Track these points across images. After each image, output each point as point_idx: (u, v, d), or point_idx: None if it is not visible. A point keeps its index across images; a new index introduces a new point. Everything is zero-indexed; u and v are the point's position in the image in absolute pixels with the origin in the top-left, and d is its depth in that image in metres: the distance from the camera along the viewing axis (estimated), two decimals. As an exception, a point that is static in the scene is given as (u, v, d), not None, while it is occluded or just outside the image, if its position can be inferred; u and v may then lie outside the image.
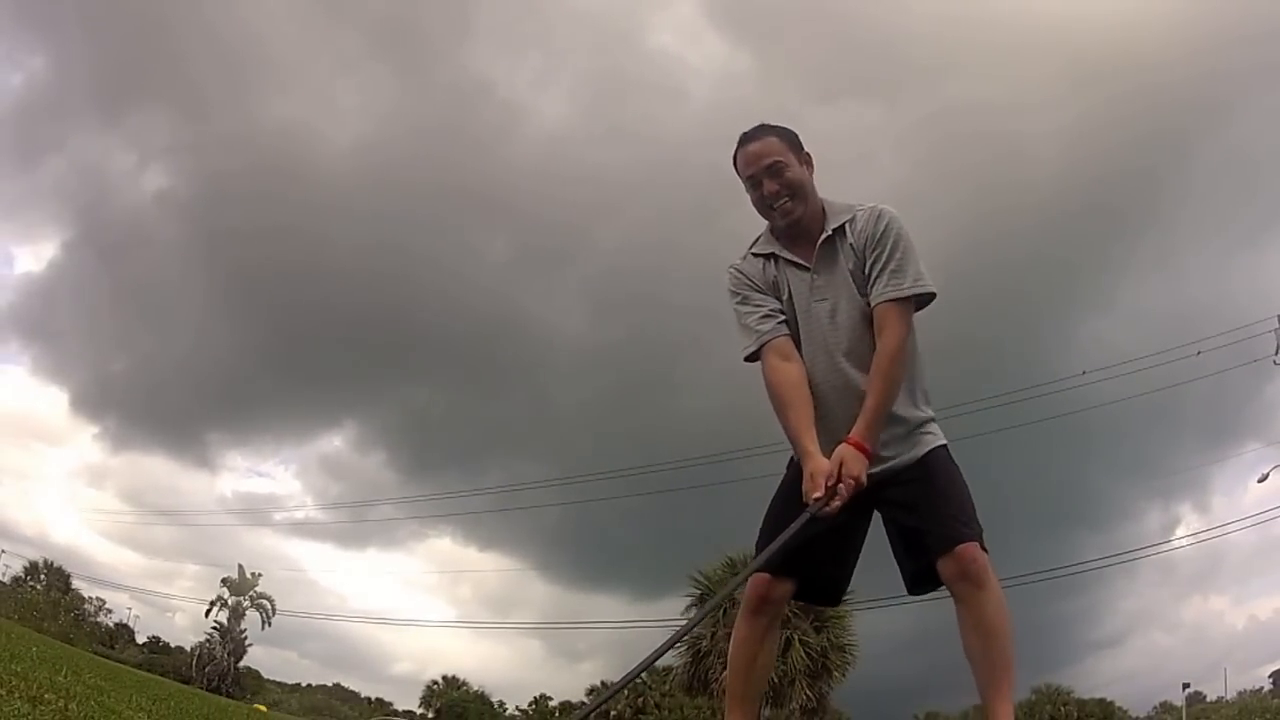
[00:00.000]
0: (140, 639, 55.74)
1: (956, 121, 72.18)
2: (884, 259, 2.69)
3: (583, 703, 45.79)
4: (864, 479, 2.58)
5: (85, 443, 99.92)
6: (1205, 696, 45.18)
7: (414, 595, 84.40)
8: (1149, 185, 68.07)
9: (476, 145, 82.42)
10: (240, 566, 50.35)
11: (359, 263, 75.37)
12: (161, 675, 29.67)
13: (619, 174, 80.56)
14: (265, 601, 49.25)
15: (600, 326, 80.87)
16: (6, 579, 46.67)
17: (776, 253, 2.84)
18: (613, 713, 38.01)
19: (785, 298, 2.83)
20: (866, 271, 2.72)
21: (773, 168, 2.74)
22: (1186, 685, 42.18)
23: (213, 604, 48.88)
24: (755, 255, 2.89)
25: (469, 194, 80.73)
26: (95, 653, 29.18)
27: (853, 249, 2.75)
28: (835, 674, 20.55)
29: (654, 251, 75.52)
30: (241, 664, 49.44)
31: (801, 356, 2.78)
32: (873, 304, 2.70)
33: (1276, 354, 23.74)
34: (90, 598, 49.09)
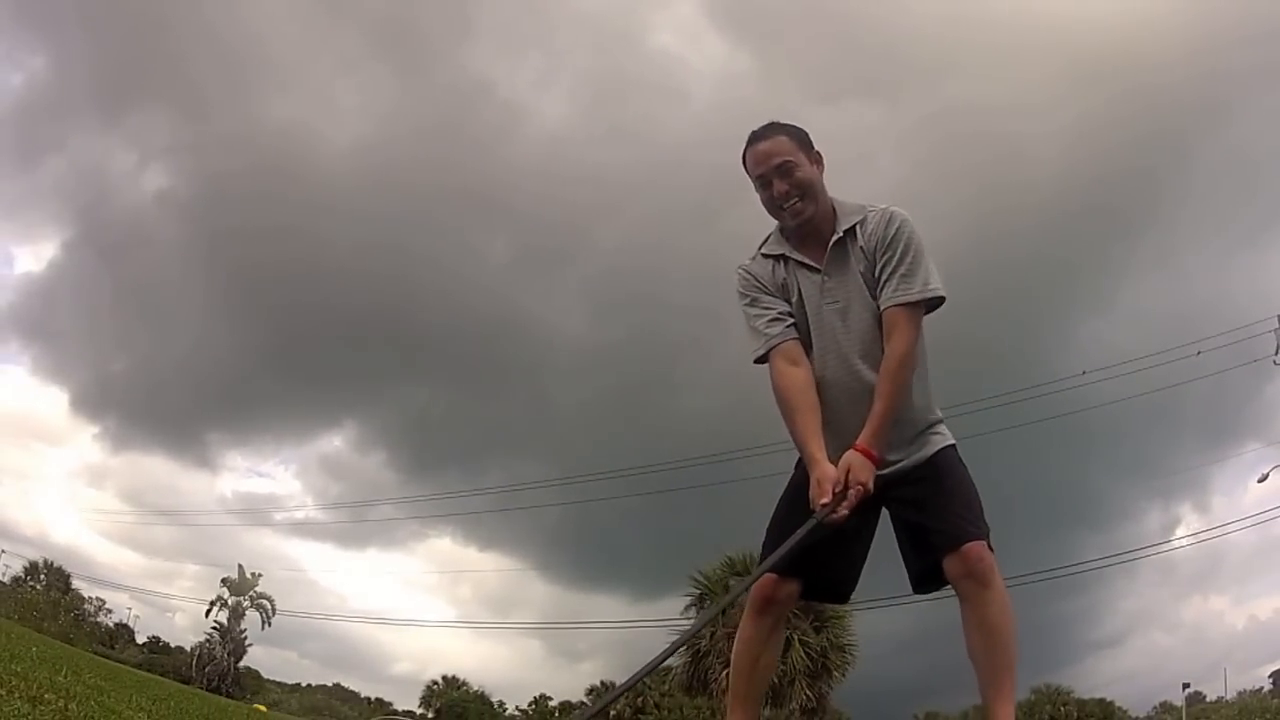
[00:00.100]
0: (140, 639, 55.86)
1: (957, 122, 72.21)
2: (894, 262, 2.67)
3: (583, 703, 45.91)
4: (871, 486, 2.57)
5: (85, 443, 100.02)
6: (1205, 696, 45.26)
7: (414, 595, 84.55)
8: (1149, 185, 68.10)
9: (477, 145, 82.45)
10: (240, 566, 50.44)
11: (359, 263, 75.48)
12: (161, 675, 29.66)
13: (619, 174, 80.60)
14: (265, 601, 49.31)
15: (600, 326, 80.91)
16: (6, 579, 46.73)
17: (787, 254, 2.81)
18: (612, 713, 37.98)
19: (795, 299, 2.80)
20: (877, 274, 2.70)
21: (783, 167, 2.71)
22: (1186, 685, 42.29)
23: (213, 604, 48.97)
24: (765, 256, 2.86)
25: (469, 194, 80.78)
26: (95, 653, 29.17)
27: (863, 251, 2.72)
28: (835, 674, 20.51)
29: (654, 251, 75.57)
30: (241, 664, 49.49)
31: (811, 359, 2.76)
32: (882, 308, 2.68)
33: (1276, 354, 23.78)
34: (90, 598, 49.15)
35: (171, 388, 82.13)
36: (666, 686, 32.41)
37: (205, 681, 42.86)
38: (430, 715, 52.70)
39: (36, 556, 50.07)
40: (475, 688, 53.52)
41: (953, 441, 2.82)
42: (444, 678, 53.61)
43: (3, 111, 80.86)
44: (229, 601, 48.95)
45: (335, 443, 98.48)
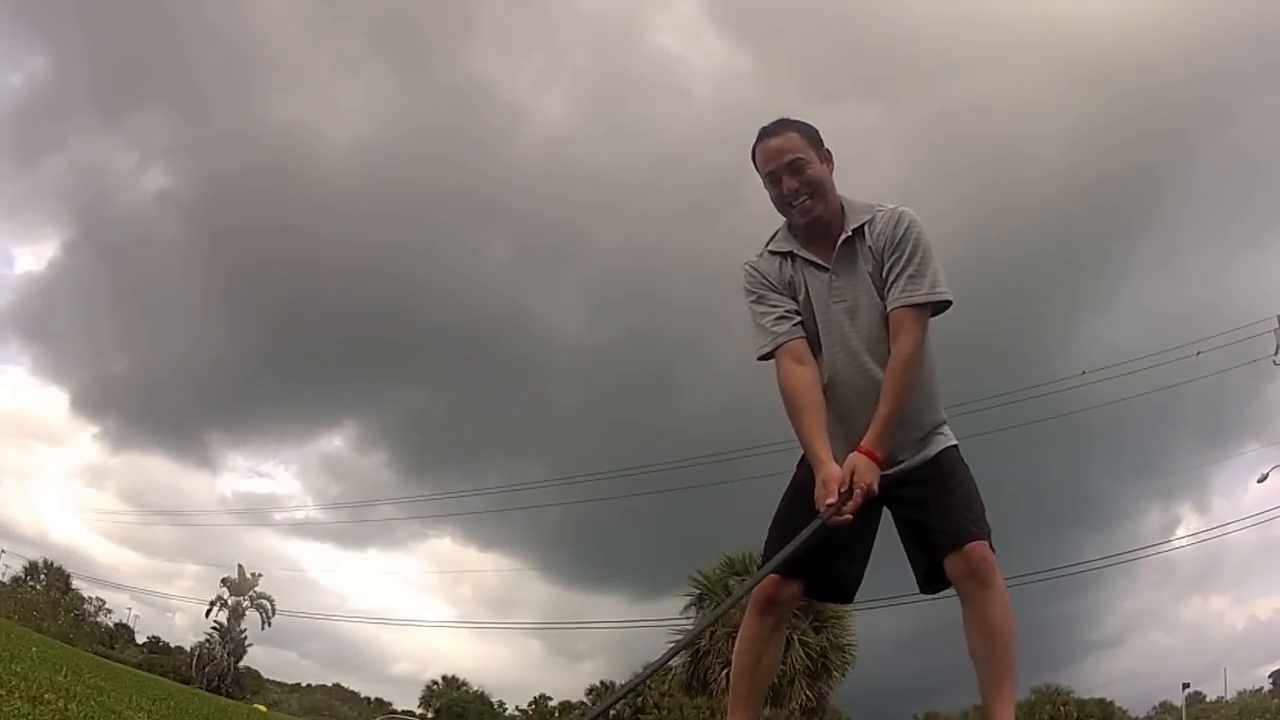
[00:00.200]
0: (140, 639, 55.84)
1: (957, 122, 72.10)
2: (902, 263, 2.66)
3: (583, 703, 45.94)
4: (875, 488, 2.56)
5: (85, 443, 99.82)
6: (1205, 696, 45.24)
7: (414, 595, 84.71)
8: (1149, 186, 68.02)
9: (477, 146, 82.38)
10: (240, 566, 50.41)
11: (359, 263, 75.40)
12: (161, 675, 29.67)
13: (619, 174, 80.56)
14: (265, 601, 49.29)
15: (600, 326, 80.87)
16: (6, 579, 46.70)
17: (795, 251, 2.79)
18: (612, 713, 37.98)
19: (802, 297, 2.79)
20: (884, 275, 2.69)
21: (793, 164, 2.70)
22: (1186, 685, 42.25)
23: (213, 604, 48.95)
24: (772, 253, 2.84)
25: (469, 194, 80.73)
26: (95, 653, 29.17)
27: (871, 251, 2.71)
28: (835, 674, 20.50)
29: (654, 252, 75.53)
30: (241, 664, 49.46)
31: (819, 358, 2.76)
32: (889, 308, 2.67)
33: (1276, 354, 23.81)
34: (90, 598, 49.17)
35: (172, 388, 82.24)
36: (666, 686, 32.38)
37: (205, 681, 42.84)
38: (430, 715, 52.74)
39: (36, 556, 50.22)
40: (475, 688, 53.72)
41: (955, 442, 2.81)
42: (444, 678, 53.77)
43: (3, 111, 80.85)
44: (229, 601, 48.96)
45: (335, 443, 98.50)
